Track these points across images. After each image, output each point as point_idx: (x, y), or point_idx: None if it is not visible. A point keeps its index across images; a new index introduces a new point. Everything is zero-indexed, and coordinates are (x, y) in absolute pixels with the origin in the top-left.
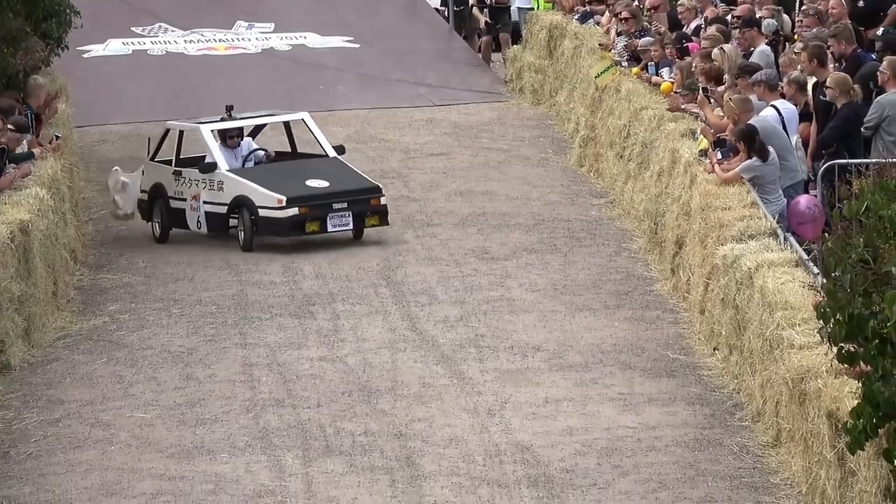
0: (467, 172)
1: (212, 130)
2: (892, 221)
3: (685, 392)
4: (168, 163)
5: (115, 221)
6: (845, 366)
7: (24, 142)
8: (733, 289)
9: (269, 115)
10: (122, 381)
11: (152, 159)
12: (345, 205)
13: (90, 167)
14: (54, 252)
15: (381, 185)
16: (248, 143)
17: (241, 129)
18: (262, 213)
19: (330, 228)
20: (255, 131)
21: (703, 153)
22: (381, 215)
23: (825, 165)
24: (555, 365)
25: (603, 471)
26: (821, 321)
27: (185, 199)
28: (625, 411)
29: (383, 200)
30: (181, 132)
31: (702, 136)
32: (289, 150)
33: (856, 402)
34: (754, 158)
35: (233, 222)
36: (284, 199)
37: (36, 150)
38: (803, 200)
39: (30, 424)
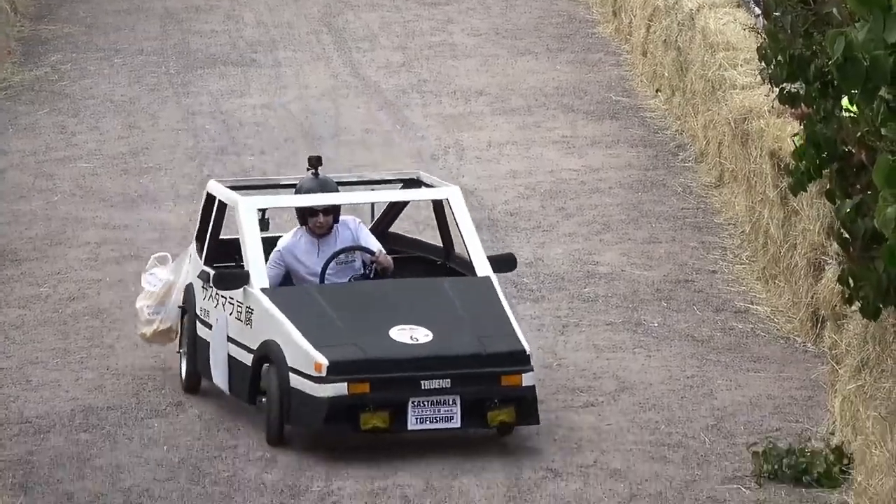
0: None
1: (258, 209)
2: None
3: (628, 134)
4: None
5: None
6: (787, 107)
7: None
8: (675, 30)
9: (389, 183)
10: (65, 131)
11: (198, 238)
12: (447, 384)
13: None
14: None
15: (529, 352)
16: (351, 228)
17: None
18: (293, 381)
19: (412, 426)
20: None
21: None
22: (520, 406)
23: None
24: (497, 109)
25: (547, 213)
26: (762, 63)
27: (211, 326)
28: (568, 154)
29: (528, 379)
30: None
31: None
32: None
33: (798, 143)
34: None
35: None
36: (325, 363)
37: None
38: None
39: None
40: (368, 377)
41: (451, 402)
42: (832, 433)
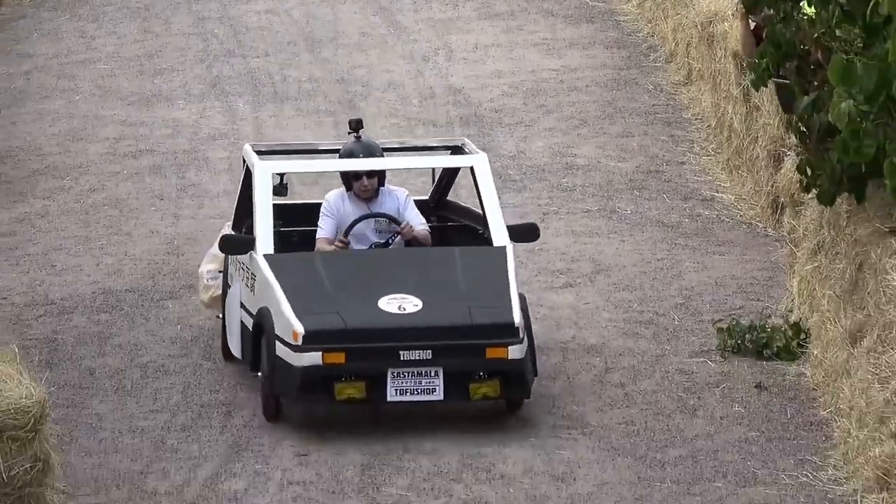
0: None
1: (276, 173)
2: None
3: (604, 36)
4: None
5: None
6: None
7: None
8: None
9: (434, 150)
10: (85, 35)
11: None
12: (428, 355)
13: None
14: None
15: (518, 324)
16: (399, 198)
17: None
18: (278, 349)
19: (391, 397)
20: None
21: None
22: (506, 380)
23: None
24: (483, 14)
25: (529, 110)
26: None
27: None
28: (548, 55)
29: (515, 352)
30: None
31: None
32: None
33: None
34: None
35: None
36: (301, 331)
37: None
38: None
39: (0, 77)
40: (344, 346)
41: (433, 374)
42: (790, 311)
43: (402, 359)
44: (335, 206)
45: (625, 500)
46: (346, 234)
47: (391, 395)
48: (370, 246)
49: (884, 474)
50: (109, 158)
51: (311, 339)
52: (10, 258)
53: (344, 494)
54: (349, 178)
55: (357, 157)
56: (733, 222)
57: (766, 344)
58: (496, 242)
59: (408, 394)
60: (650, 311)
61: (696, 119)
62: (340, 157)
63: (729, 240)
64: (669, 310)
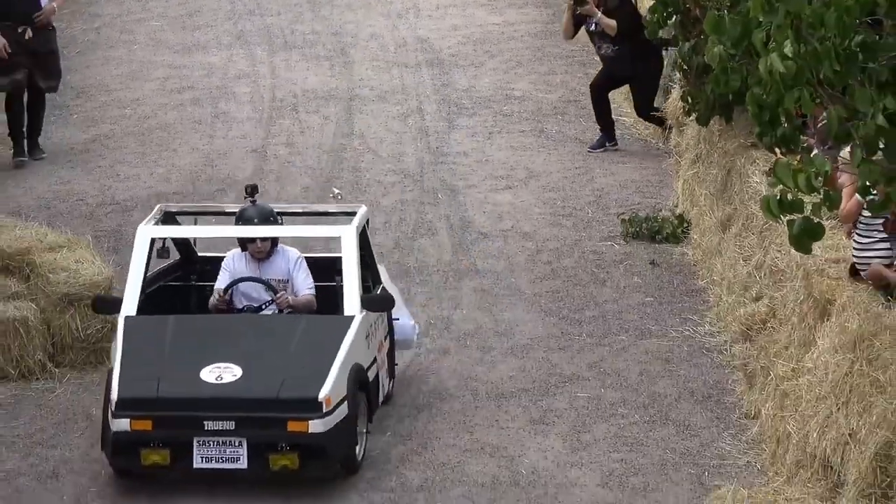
0: None
1: (152, 238)
2: None
3: None
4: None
5: None
6: None
7: None
8: None
9: (331, 215)
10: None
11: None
12: (231, 426)
13: None
14: None
15: (322, 398)
16: (290, 259)
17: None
18: (108, 410)
19: (197, 464)
20: None
21: None
22: (305, 451)
23: None
24: None
25: (478, 55)
26: None
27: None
28: (492, 13)
29: (316, 426)
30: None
31: None
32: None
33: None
34: None
35: None
36: (115, 398)
37: None
38: None
39: (76, 31)
40: (151, 415)
41: (236, 444)
42: (676, 205)
43: (206, 428)
44: (231, 263)
45: (552, 350)
46: (225, 292)
47: (197, 463)
48: (243, 308)
49: (746, 329)
50: (160, 93)
51: (122, 406)
52: (85, 169)
53: None
54: (245, 241)
55: (252, 221)
56: (633, 139)
57: (657, 231)
58: (346, 312)
59: (213, 462)
60: (570, 206)
61: None
62: (236, 221)
63: (630, 152)
64: (585, 205)
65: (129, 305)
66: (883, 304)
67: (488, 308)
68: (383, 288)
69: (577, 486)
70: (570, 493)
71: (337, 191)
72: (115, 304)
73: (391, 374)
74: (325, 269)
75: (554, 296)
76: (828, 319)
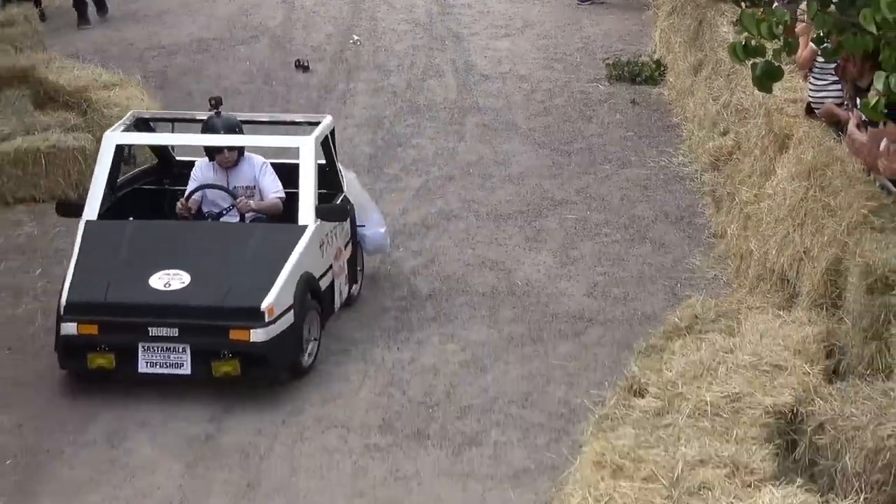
0: None
1: (117, 144)
2: None
3: None
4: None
5: None
6: None
7: None
8: None
9: (295, 124)
10: None
11: None
12: (175, 332)
13: None
14: None
15: (265, 308)
16: (255, 165)
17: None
18: (58, 314)
19: (142, 368)
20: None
21: None
22: (246, 359)
23: None
24: None
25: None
26: None
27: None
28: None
29: (258, 335)
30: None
31: None
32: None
33: None
34: None
35: None
36: (63, 303)
37: None
38: None
39: None
40: (97, 319)
41: (180, 350)
42: (654, 52)
43: (150, 334)
44: (199, 171)
45: (544, 176)
46: (187, 199)
47: (142, 367)
48: (206, 213)
49: (715, 159)
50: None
51: (71, 311)
52: (134, 19)
53: None
54: (212, 150)
55: (218, 131)
56: None
57: (638, 73)
58: (301, 221)
59: (157, 366)
60: (561, 52)
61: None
62: (202, 131)
63: (614, 5)
64: (574, 51)
65: (91, 210)
66: (834, 138)
67: (488, 140)
68: (344, 197)
69: (566, 295)
70: (560, 302)
71: (356, 37)
72: (77, 209)
73: (353, 280)
74: (290, 176)
75: (546, 130)
76: (786, 152)
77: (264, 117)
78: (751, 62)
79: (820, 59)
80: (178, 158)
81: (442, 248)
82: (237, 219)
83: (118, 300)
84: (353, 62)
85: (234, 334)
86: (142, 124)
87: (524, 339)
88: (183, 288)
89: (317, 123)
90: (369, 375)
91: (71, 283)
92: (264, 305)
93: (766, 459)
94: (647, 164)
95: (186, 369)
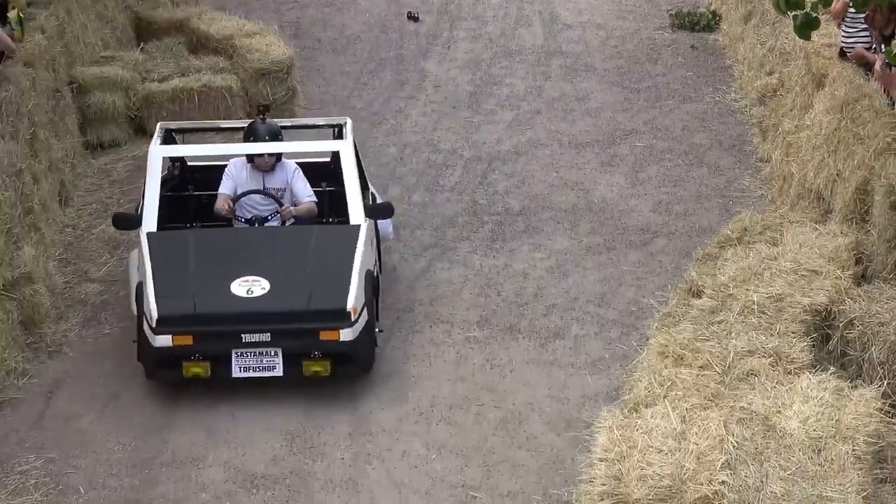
0: None
1: (164, 157)
2: None
3: None
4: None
5: None
6: None
7: None
8: None
9: (321, 127)
10: None
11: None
12: (268, 338)
13: None
14: None
15: (350, 308)
16: (288, 171)
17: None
18: (144, 326)
19: (236, 374)
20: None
21: None
22: (338, 358)
23: None
24: None
25: None
26: None
27: (134, 257)
28: None
29: (346, 334)
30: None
31: None
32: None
33: None
34: None
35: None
36: (155, 317)
37: None
38: None
39: None
40: (191, 330)
41: (272, 354)
42: (710, 3)
43: (244, 341)
44: (234, 171)
45: (617, 110)
46: (235, 201)
47: (236, 373)
48: (252, 217)
49: (761, 96)
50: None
51: (163, 323)
52: None
53: None
54: (252, 154)
55: (261, 136)
56: None
57: (696, 22)
58: (353, 221)
59: (251, 371)
60: (631, 4)
61: None
62: (246, 136)
63: None
64: (642, 3)
65: (150, 222)
66: (863, 77)
67: (570, 80)
68: (372, 193)
69: (635, 211)
70: (630, 217)
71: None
72: (132, 221)
73: (380, 270)
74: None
75: (619, 71)
76: (822, 89)
77: (287, 122)
78: (792, 13)
79: (851, 9)
80: (189, 164)
81: (530, 172)
82: (278, 222)
83: (209, 310)
84: (456, 13)
85: (324, 335)
86: (168, 135)
87: (600, 249)
88: (266, 294)
89: (338, 126)
90: (469, 279)
91: (156, 297)
92: (350, 306)
93: (804, 350)
94: (704, 99)
95: (279, 371)
